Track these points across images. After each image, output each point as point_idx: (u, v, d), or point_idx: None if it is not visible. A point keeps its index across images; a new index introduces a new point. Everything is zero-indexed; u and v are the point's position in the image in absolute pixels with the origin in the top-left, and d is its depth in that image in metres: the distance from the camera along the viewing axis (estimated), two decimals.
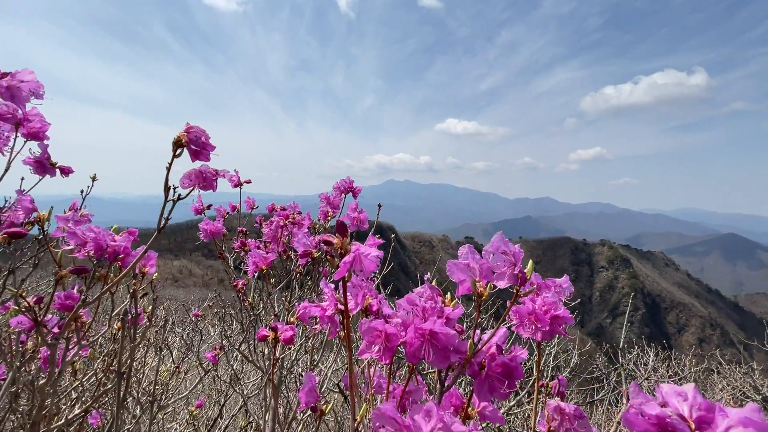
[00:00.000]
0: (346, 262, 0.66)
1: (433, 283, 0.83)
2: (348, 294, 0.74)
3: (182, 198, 0.95)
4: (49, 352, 1.01)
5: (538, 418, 0.87)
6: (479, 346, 0.74)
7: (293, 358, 2.06)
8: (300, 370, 2.72)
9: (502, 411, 2.40)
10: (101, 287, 1.04)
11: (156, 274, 1.29)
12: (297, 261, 2.10)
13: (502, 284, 0.70)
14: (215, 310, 4.81)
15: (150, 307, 1.41)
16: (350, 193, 2.20)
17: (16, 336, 1.15)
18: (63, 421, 1.28)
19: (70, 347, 1.11)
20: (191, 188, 0.98)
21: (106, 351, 1.62)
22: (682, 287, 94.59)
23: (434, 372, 0.90)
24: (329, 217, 2.19)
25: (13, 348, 1.11)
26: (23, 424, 1.08)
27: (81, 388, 1.57)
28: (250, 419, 2.33)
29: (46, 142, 1.27)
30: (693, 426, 0.47)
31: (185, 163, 0.96)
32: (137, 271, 1.21)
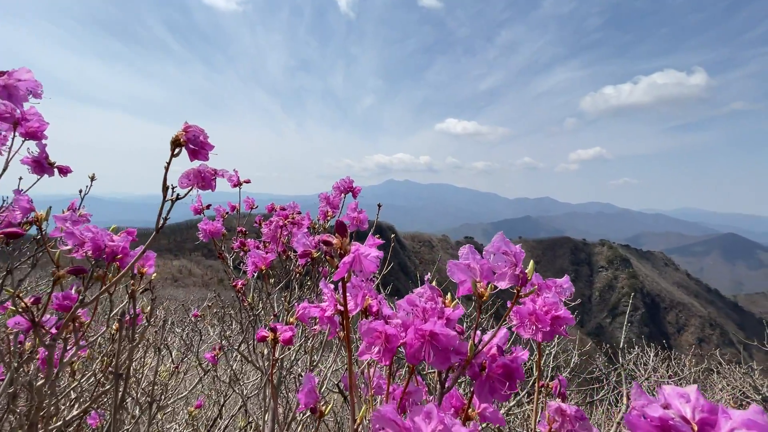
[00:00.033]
0: (346, 263, 0.66)
1: (433, 283, 0.82)
2: (348, 295, 0.73)
3: (181, 198, 0.95)
4: (47, 353, 1.01)
5: (538, 419, 0.86)
6: (480, 347, 0.74)
7: (293, 358, 2.05)
8: (299, 370, 2.71)
9: (501, 411, 2.39)
10: (99, 288, 1.04)
11: (155, 274, 1.29)
12: (296, 261, 2.10)
13: (503, 285, 0.70)
14: (214, 310, 4.80)
15: (148, 308, 1.40)
16: (350, 193, 2.20)
17: (14, 336, 1.14)
18: (61, 422, 1.28)
19: (68, 348, 1.10)
20: (190, 188, 0.98)
21: (104, 351, 1.61)
22: (682, 287, 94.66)
23: (434, 372, 0.89)
24: (329, 217, 2.19)
25: (11, 348, 1.10)
26: (21, 425, 1.08)
27: (80, 389, 1.57)
28: (250, 419, 2.32)
29: (44, 141, 1.26)
30: (696, 428, 0.46)
31: (184, 163, 0.96)
32: (136, 271, 1.20)
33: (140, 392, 1.99)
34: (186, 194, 0.96)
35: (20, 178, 1.31)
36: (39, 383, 1.05)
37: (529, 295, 0.80)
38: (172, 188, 0.93)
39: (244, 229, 2.27)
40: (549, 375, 3.26)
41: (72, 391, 1.51)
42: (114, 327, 1.43)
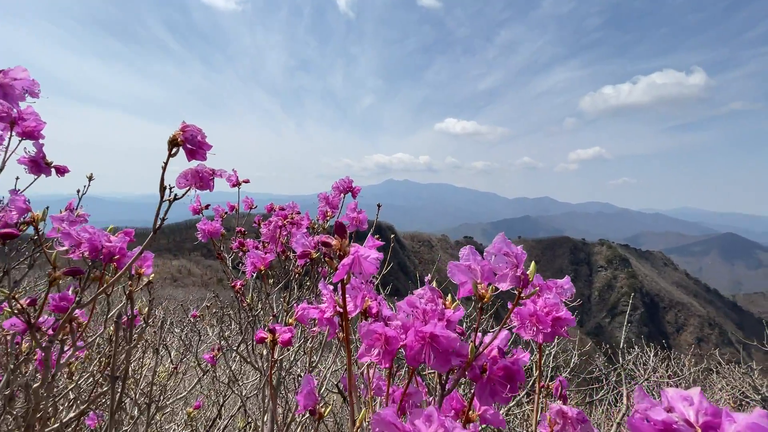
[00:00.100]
0: (345, 265, 0.65)
1: (433, 284, 0.82)
2: (347, 296, 0.73)
3: (178, 198, 0.94)
4: (44, 354, 1.00)
5: (538, 419, 0.86)
6: (481, 349, 0.73)
7: (292, 359, 2.05)
8: (299, 371, 2.70)
9: (501, 412, 2.39)
10: (97, 289, 1.03)
11: (153, 274, 1.28)
12: (295, 261, 2.09)
13: (504, 286, 0.69)
14: (213, 311, 4.79)
15: (146, 309, 1.39)
16: (349, 193, 2.19)
17: (10, 338, 1.13)
18: (59, 423, 1.27)
19: (65, 349, 1.09)
20: (188, 188, 0.97)
21: (103, 352, 1.60)
22: (681, 287, 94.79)
23: (434, 373, 0.89)
24: (328, 217, 2.18)
25: (8, 350, 1.09)
26: (18, 426, 1.07)
27: (78, 390, 1.56)
28: (249, 420, 2.31)
29: (41, 141, 1.25)
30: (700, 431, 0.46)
31: (183, 163, 0.95)
32: (133, 272, 1.19)
33: (139, 393, 1.98)
34: (184, 194, 0.96)
35: (17, 178, 1.30)
36: (36, 385, 1.04)
37: (530, 297, 0.79)
38: (170, 188, 0.92)
39: (243, 230, 2.26)
40: (549, 375, 3.26)
41: (70, 392, 1.50)
42: (111, 329, 1.42)
